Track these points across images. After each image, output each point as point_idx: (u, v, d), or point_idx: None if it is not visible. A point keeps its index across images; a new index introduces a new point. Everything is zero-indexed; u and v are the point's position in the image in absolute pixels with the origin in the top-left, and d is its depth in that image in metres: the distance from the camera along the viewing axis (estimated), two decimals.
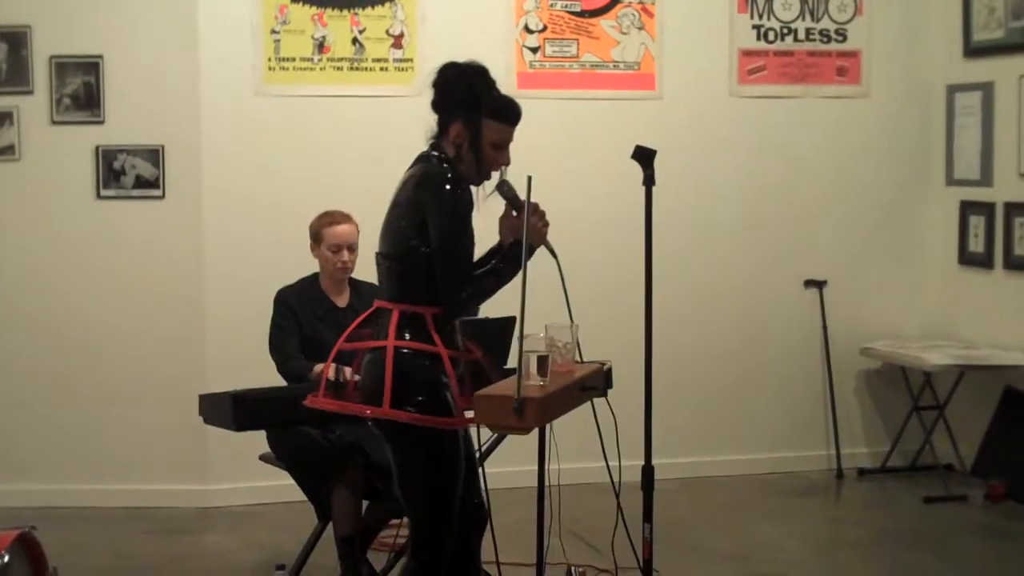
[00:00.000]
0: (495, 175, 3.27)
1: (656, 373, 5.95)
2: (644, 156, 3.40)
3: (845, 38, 6.12)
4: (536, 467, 3.52)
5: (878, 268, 6.24)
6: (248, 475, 5.36)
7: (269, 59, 5.52)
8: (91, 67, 5.43)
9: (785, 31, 6.05)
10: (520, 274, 3.05)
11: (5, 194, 5.48)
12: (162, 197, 5.52)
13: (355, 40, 5.60)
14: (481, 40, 5.71)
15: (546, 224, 3.24)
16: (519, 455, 4.09)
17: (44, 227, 5.51)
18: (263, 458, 4.46)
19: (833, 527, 5.44)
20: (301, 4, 5.52)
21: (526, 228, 3.07)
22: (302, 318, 4.31)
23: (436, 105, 3.23)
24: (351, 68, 5.62)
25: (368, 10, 5.60)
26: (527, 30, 5.78)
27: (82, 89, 5.44)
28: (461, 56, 5.69)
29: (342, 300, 4.40)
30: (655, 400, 5.97)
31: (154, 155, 5.49)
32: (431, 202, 3.10)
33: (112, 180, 5.49)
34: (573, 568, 3.93)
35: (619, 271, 5.92)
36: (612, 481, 3.55)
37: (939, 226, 6.20)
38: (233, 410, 3.73)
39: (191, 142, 5.50)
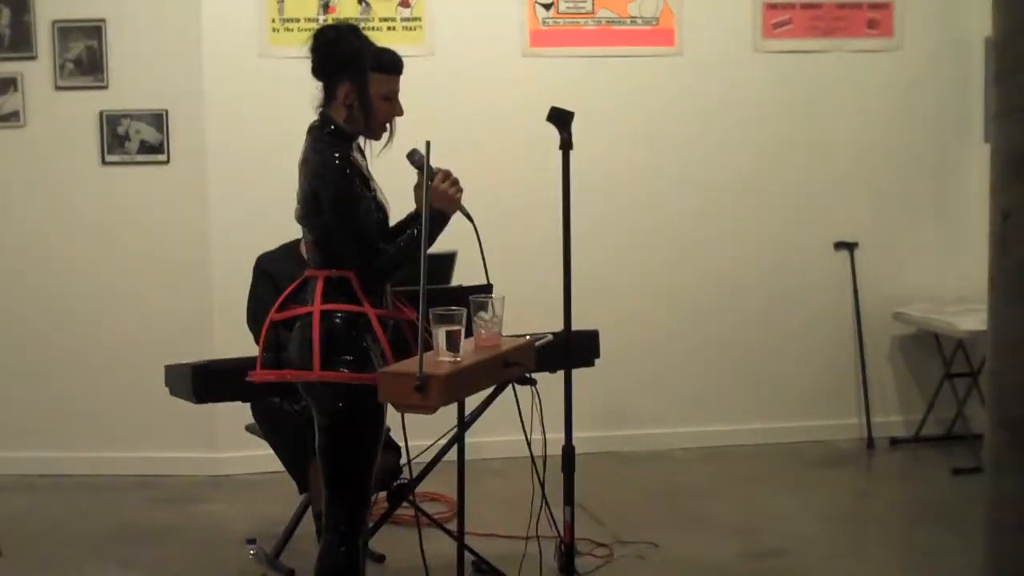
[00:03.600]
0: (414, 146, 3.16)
1: (678, 339, 5.92)
2: (560, 118, 3.20)
3: None
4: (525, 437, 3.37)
5: (912, 229, 5.97)
6: (258, 443, 5.27)
7: (273, 20, 5.39)
8: (94, 31, 5.35)
9: None
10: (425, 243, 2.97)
11: (10, 161, 5.44)
12: (167, 162, 5.44)
13: None
14: None
15: (459, 190, 3.17)
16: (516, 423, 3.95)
17: (50, 194, 5.46)
18: (249, 429, 4.36)
19: (855, 500, 5.20)
20: None
21: (426, 194, 2.98)
22: (282, 286, 4.15)
23: (320, 70, 3.11)
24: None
25: None
26: None
27: (85, 54, 5.37)
28: (472, 15, 5.63)
29: None
30: (677, 367, 5.89)
31: (158, 119, 5.41)
32: (317, 180, 3.03)
33: (117, 146, 5.42)
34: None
35: (630, 236, 5.77)
36: (533, 458, 3.33)
37: (977, 185, 5.90)
38: (193, 382, 3.63)
39: (195, 106, 5.41)
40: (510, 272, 5.60)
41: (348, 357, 2.99)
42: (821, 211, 5.91)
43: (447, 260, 4.08)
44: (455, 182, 3.16)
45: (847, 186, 5.91)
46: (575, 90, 5.66)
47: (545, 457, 3.35)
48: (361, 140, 3.18)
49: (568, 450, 3.29)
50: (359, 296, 3.03)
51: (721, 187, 5.82)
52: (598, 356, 4.16)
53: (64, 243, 5.47)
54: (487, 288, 3.56)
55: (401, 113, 3.18)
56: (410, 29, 5.51)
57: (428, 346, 2.81)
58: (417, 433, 3.74)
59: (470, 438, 3.96)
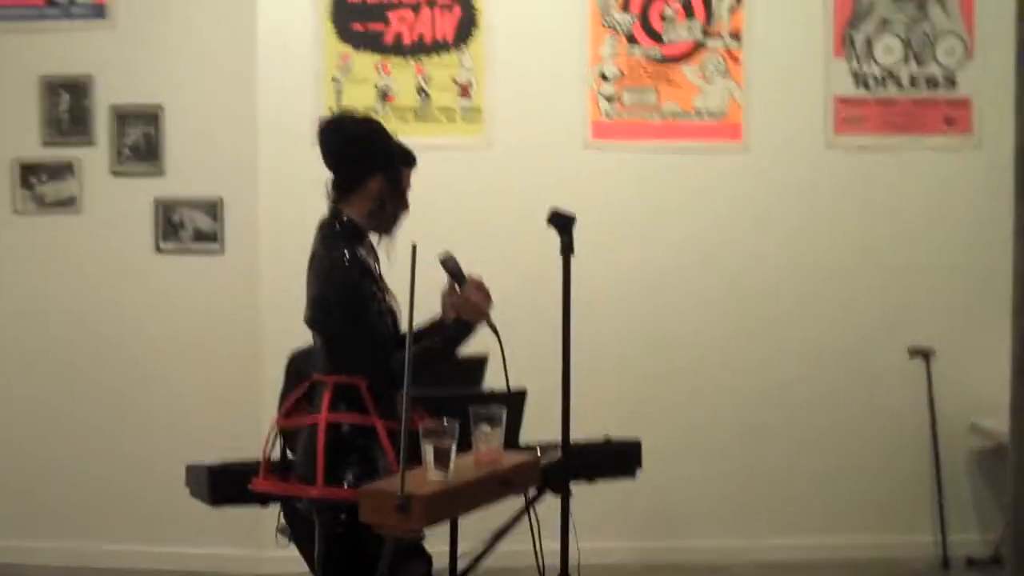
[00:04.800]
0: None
1: (744, 448, 5.65)
2: (561, 222, 3.03)
3: (954, 84, 5.61)
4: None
5: (990, 335, 5.64)
6: None
7: (330, 108, 5.33)
8: (151, 117, 5.34)
9: (887, 77, 5.59)
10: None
11: (66, 247, 5.42)
12: (221, 251, 5.37)
13: (420, 89, 5.38)
14: (553, 88, 5.47)
15: (490, 301, 3.05)
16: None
17: (103, 281, 5.42)
18: (280, 531, 4.19)
19: None
20: (364, 52, 5.33)
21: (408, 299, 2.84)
22: None
23: (346, 162, 3.00)
24: (416, 118, 5.39)
25: (434, 58, 5.37)
26: (603, 77, 5.46)
27: (142, 140, 5.35)
28: (532, 105, 5.50)
29: None
30: (740, 476, 5.63)
31: (212, 208, 5.35)
32: (325, 279, 2.92)
33: (171, 233, 5.37)
34: None
35: (693, 338, 5.56)
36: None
37: None
38: (209, 483, 3.47)
39: (249, 194, 5.35)
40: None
41: (354, 470, 2.86)
42: (895, 315, 5.64)
43: (478, 364, 3.91)
44: (487, 294, 3.02)
45: (922, 290, 5.63)
46: (638, 184, 5.53)
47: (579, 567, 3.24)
48: (373, 238, 3.06)
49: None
50: (368, 405, 2.87)
51: (789, 288, 5.59)
52: (639, 466, 3.92)
53: (115, 330, 5.41)
54: (521, 395, 3.40)
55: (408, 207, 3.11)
56: (469, 120, 5.41)
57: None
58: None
59: (506, 546, 3.75)
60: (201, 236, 5.36)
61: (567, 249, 3.00)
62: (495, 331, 3.04)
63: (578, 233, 5.42)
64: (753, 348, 5.60)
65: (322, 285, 2.90)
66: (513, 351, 5.25)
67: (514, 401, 3.46)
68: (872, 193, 5.63)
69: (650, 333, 5.55)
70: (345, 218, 2.98)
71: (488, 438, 2.75)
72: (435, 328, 3.08)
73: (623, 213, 5.53)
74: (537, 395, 5.29)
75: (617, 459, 3.76)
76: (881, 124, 5.61)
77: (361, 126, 3.08)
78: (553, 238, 5.44)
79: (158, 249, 5.39)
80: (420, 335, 3.03)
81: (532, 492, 3.64)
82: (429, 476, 2.53)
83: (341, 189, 3.00)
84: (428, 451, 2.52)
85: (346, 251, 2.89)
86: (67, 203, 5.38)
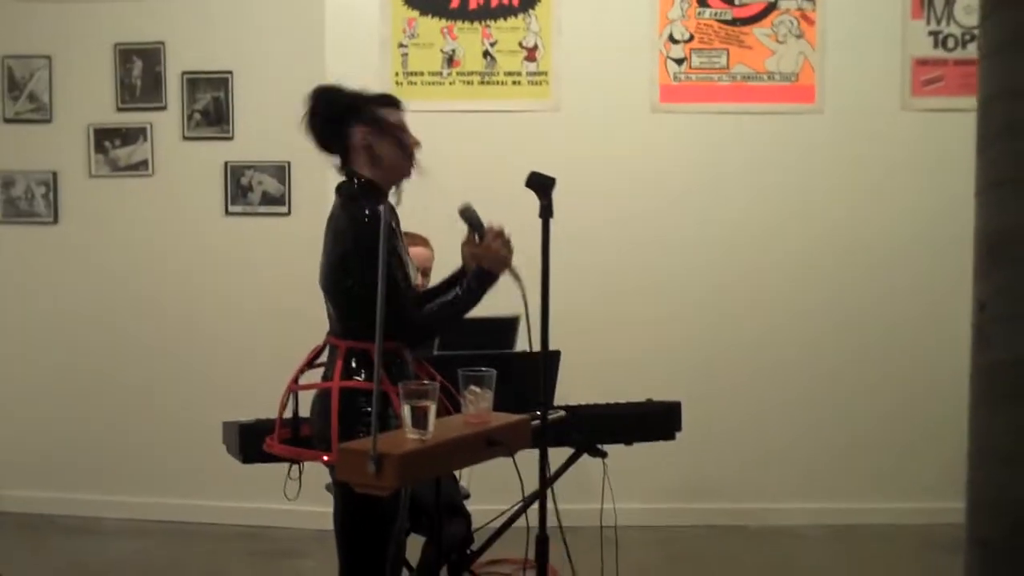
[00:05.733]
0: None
1: (811, 408, 5.57)
2: (540, 185, 2.91)
3: None
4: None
5: None
6: None
7: (396, 73, 5.33)
8: (221, 82, 5.39)
9: (967, 37, 5.42)
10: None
11: (138, 209, 5.52)
12: (288, 214, 5.42)
13: (486, 53, 5.35)
14: (621, 51, 5.40)
15: (510, 250, 2.95)
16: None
17: (174, 243, 5.51)
18: (328, 489, 4.25)
19: None
20: (430, 17, 5.32)
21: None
22: None
23: (325, 130, 2.99)
24: (482, 82, 5.37)
25: (500, 22, 5.34)
26: (672, 40, 5.38)
27: (212, 104, 5.41)
28: (600, 69, 5.44)
29: None
30: (807, 439, 5.55)
31: (280, 171, 5.40)
32: (347, 237, 2.83)
33: (240, 196, 5.43)
34: None
35: (767, 297, 5.49)
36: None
37: None
38: (240, 441, 3.50)
39: (316, 159, 5.34)
40: (629, 334, 5.41)
41: (366, 432, 2.81)
42: (967, 277, 5.49)
43: (510, 324, 3.85)
44: (507, 242, 2.94)
45: None
46: (707, 148, 5.45)
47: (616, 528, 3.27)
48: (393, 198, 3.02)
49: (542, 538, 2.90)
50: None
51: (861, 254, 5.48)
52: (679, 429, 3.82)
53: (184, 293, 5.51)
54: (555, 355, 3.37)
55: (418, 143, 3.01)
56: (536, 84, 5.37)
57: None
58: (492, 499, 3.61)
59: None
60: (269, 199, 5.42)
61: (546, 212, 2.87)
62: (518, 280, 2.93)
63: (644, 197, 5.43)
64: (822, 308, 5.51)
65: (345, 243, 2.83)
66: (579, 314, 5.24)
67: (548, 361, 3.43)
68: (951, 155, 5.47)
69: (718, 300, 5.49)
70: (358, 178, 2.94)
71: (477, 399, 2.68)
72: (454, 281, 3.02)
73: (691, 178, 5.46)
74: (595, 354, 5.28)
75: (656, 422, 3.65)
76: (960, 86, 5.45)
77: (323, 91, 3.04)
78: (620, 202, 5.45)
79: (227, 211, 5.46)
80: (441, 289, 3.01)
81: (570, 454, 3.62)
82: (408, 435, 2.50)
83: (341, 158, 2.99)
84: (406, 411, 2.49)
85: (367, 208, 2.81)
86: (140, 167, 5.47)
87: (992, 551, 2.09)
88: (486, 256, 2.92)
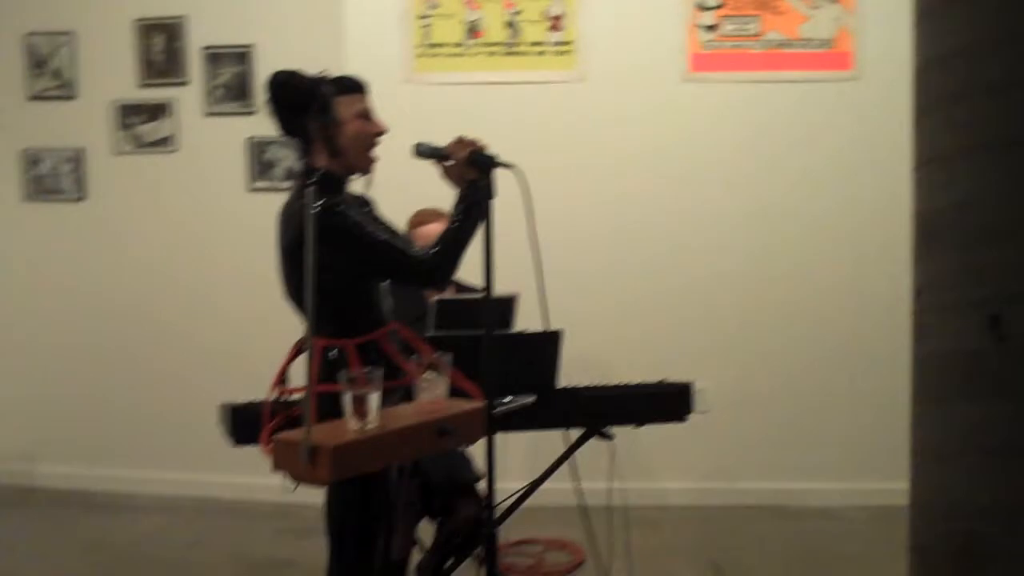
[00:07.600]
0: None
1: (844, 384, 5.41)
2: (484, 165, 2.76)
3: None
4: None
5: None
6: None
7: (418, 45, 5.23)
8: (242, 57, 5.33)
9: None
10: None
11: (162, 186, 5.50)
12: None
13: (509, 23, 5.22)
14: (649, 19, 5.25)
15: (479, 144, 2.81)
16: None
17: (198, 219, 5.50)
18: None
19: None
20: None
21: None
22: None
23: (286, 121, 2.85)
24: (505, 53, 5.24)
25: None
26: (701, 7, 5.21)
27: (234, 79, 5.35)
28: (627, 38, 5.29)
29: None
30: (846, 419, 5.41)
31: None
32: (326, 241, 2.66)
33: (263, 172, 5.38)
34: None
35: (794, 271, 5.33)
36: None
37: None
38: (232, 422, 3.43)
39: None
40: (665, 306, 5.29)
41: None
42: None
43: (508, 303, 3.73)
44: (471, 140, 2.81)
45: None
46: (739, 118, 5.30)
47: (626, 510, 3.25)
48: (356, 185, 2.91)
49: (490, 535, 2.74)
50: (357, 367, 2.69)
51: (901, 221, 5.28)
52: (690, 411, 3.61)
53: (210, 268, 5.49)
54: (555, 335, 3.26)
55: (383, 130, 2.91)
56: (561, 54, 5.23)
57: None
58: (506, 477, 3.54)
59: (558, 483, 3.66)
60: (292, 175, 5.36)
61: (486, 192, 2.73)
62: (505, 166, 2.76)
63: (674, 170, 5.29)
64: (869, 284, 5.35)
65: (296, 235, 2.73)
66: (609, 289, 5.11)
67: (550, 341, 3.32)
68: None
69: (754, 270, 5.35)
70: (316, 170, 2.84)
71: (431, 386, 2.57)
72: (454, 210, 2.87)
73: (723, 149, 5.31)
74: (635, 329, 5.17)
75: (666, 403, 3.50)
76: None
77: (280, 77, 2.89)
78: (648, 175, 5.31)
79: (251, 187, 5.41)
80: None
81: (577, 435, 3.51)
82: (349, 426, 2.39)
83: (299, 147, 2.90)
84: (347, 400, 2.38)
85: (319, 200, 2.68)
86: (164, 143, 5.44)
87: (929, 559, 1.97)
88: (462, 167, 2.80)
